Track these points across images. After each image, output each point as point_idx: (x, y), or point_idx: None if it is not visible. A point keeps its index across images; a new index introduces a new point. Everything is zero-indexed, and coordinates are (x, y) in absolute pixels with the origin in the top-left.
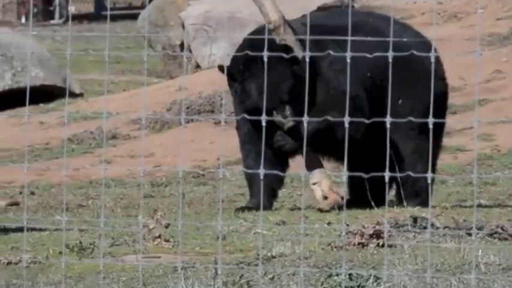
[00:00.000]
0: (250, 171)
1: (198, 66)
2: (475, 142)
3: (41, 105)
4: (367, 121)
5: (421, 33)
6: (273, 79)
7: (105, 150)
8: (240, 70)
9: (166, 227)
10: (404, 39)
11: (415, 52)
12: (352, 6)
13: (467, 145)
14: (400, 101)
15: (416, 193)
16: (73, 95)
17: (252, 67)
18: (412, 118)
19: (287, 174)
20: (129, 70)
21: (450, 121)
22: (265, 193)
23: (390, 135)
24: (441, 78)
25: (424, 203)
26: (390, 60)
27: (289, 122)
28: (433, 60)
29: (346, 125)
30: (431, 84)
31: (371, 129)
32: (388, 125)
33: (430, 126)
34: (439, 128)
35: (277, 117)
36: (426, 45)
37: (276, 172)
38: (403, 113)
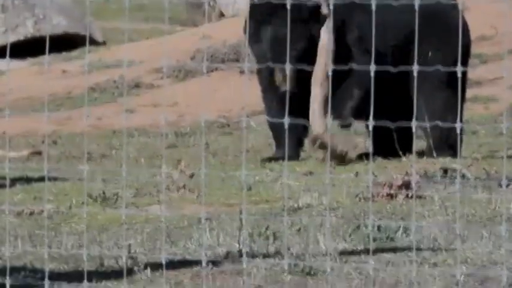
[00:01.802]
0: (273, 120)
1: (222, 15)
2: (506, 92)
3: (63, 53)
4: (393, 69)
5: None
6: (285, 33)
7: (128, 99)
8: (254, 16)
9: (191, 177)
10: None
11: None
12: None
13: (498, 95)
14: (429, 54)
15: (447, 144)
16: (95, 43)
17: (264, 15)
18: (440, 67)
19: None
20: (152, 18)
21: (481, 71)
22: (291, 143)
23: (419, 87)
24: (466, 33)
25: (455, 154)
26: (416, 7)
27: (282, 85)
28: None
29: (372, 74)
30: (459, 38)
31: (400, 81)
32: (415, 74)
33: (459, 75)
34: (464, 81)
35: (277, 76)
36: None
37: (300, 121)
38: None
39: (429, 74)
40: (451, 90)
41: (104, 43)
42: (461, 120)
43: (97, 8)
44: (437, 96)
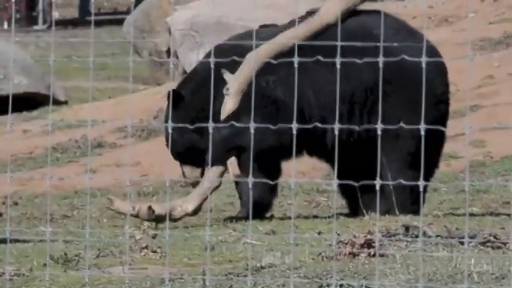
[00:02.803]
0: (239, 179)
1: (185, 72)
2: (467, 149)
3: (24, 113)
4: (357, 128)
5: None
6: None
7: (91, 159)
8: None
9: (154, 237)
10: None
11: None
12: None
13: (459, 152)
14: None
15: (410, 202)
16: (57, 102)
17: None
18: (403, 125)
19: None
20: (114, 77)
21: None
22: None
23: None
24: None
25: (417, 212)
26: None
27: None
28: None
29: (336, 132)
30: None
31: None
32: (379, 132)
33: (422, 132)
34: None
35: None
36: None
37: (265, 180)
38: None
39: (392, 131)
40: (415, 147)
41: (66, 102)
42: (428, 179)
43: (59, 67)
44: (401, 154)
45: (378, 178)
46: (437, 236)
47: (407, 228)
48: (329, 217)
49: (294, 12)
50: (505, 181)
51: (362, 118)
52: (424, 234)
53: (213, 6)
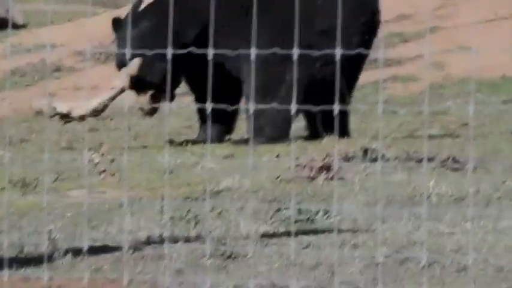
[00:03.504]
0: (198, 105)
1: None
2: (426, 71)
3: None
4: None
5: None
6: None
7: (49, 82)
8: None
9: (112, 161)
10: None
11: None
12: None
13: (418, 74)
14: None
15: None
16: (16, 26)
17: None
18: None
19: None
20: (74, 0)
21: (401, 49)
22: (216, 126)
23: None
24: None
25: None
26: None
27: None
28: None
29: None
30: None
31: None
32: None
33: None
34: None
35: None
36: None
37: (224, 106)
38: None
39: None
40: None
41: (24, 26)
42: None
43: None
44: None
45: (336, 103)
46: (395, 158)
47: (365, 151)
48: (289, 140)
49: None
50: (464, 103)
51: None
52: (383, 156)
53: None
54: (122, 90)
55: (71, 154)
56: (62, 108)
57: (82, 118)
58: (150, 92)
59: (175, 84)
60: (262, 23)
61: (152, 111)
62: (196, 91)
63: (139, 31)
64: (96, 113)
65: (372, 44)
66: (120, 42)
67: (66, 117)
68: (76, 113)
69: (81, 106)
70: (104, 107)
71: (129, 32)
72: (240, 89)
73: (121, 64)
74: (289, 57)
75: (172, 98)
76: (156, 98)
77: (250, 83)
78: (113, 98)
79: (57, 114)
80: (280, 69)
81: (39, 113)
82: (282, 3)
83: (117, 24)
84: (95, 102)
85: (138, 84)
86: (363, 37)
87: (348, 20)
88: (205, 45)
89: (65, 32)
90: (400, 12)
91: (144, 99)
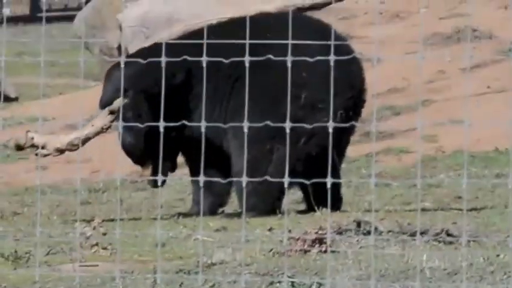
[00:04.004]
0: (190, 178)
1: None
2: (419, 144)
3: None
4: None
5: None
6: None
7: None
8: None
9: (104, 234)
10: None
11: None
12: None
13: (411, 147)
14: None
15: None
16: (8, 99)
17: None
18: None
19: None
20: (65, 73)
21: (393, 122)
22: (208, 199)
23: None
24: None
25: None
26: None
27: None
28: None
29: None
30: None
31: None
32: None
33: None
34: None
35: None
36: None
37: (217, 179)
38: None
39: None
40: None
41: (16, 99)
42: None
43: (9, 63)
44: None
45: (329, 176)
46: (389, 231)
47: (358, 224)
48: (280, 213)
49: (246, 8)
50: (457, 176)
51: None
52: (376, 229)
53: (164, 2)
54: (102, 129)
55: (63, 227)
56: (39, 140)
57: (59, 151)
58: (150, 164)
59: (174, 154)
60: (248, 97)
61: (157, 182)
62: (191, 162)
63: (127, 71)
64: (72, 147)
65: (357, 120)
66: (107, 84)
67: (42, 149)
68: (52, 145)
69: (58, 139)
70: (82, 142)
71: (117, 73)
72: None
73: (104, 104)
74: (277, 133)
75: (173, 168)
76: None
77: (238, 159)
78: (92, 136)
79: (33, 145)
80: (268, 147)
81: (18, 146)
82: (268, 76)
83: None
84: (72, 136)
85: (138, 157)
86: (347, 112)
87: (334, 93)
88: (193, 115)
89: (56, 105)
90: (392, 85)
91: (148, 171)
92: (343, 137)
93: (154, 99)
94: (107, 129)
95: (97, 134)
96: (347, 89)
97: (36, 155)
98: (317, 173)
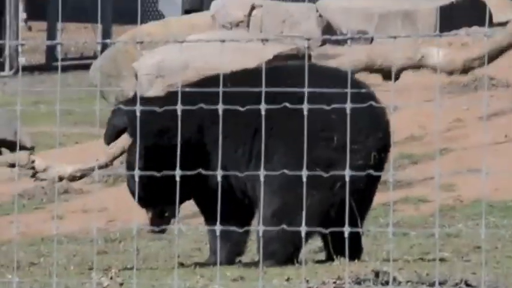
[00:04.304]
0: (207, 227)
1: None
2: (437, 193)
3: None
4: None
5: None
6: None
7: (57, 205)
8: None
9: (121, 284)
10: None
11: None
12: (309, 55)
13: (429, 196)
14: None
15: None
16: (24, 148)
17: None
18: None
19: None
20: (81, 122)
21: (411, 171)
22: (225, 249)
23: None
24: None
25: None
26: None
27: None
28: None
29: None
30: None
31: None
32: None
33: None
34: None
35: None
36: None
37: (233, 228)
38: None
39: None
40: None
41: (32, 148)
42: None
43: (25, 113)
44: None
45: (346, 225)
46: (407, 281)
47: (377, 274)
48: (298, 262)
49: (262, 56)
50: (475, 225)
51: None
52: (395, 280)
53: (180, 51)
54: (106, 165)
55: (79, 278)
56: (40, 164)
57: (60, 179)
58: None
59: (181, 201)
60: (275, 144)
61: (161, 230)
62: (205, 212)
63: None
64: (73, 178)
65: (384, 163)
66: (110, 127)
67: (42, 173)
68: (53, 171)
69: (60, 167)
70: (82, 176)
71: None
72: (251, 209)
73: (110, 140)
74: (310, 179)
75: (173, 215)
76: (162, 215)
77: (265, 207)
78: (92, 170)
79: (33, 168)
80: (301, 193)
81: (11, 165)
82: (296, 123)
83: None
84: (76, 168)
85: (141, 198)
86: (379, 154)
87: (364, 135)
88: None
89: (72, 154)
90: (409, 133)
91: (151, 216)
92: (375, 182)
93: (166, 148)
94: (108, 166)
95: (100, 168)
96: (376, 130)
97: (34, 177)
98: (340, 222)
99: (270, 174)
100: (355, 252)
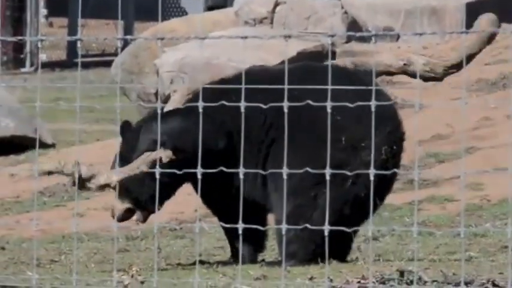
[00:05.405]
0: (227, 225)
1: None
2: (462, 192)
3: (12, 156)
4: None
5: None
6: None
7: (78, 203)
8: None
9: (142, 283)
10: None
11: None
12: (333, 52)
13: (455, 195)
14: None
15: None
16: (44, 145)
17: None
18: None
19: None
20: (102, 119)
21: (437, 170)
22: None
23: None
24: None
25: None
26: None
27: None
28: None
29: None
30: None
31: None
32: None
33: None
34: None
35: None
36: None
37: (255, 226)
38: None
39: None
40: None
41: (53, 145)
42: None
43: (46, 109)
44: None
45: (370, 224)
46: (433, 281)
47: (402, 273)
48: (321, 261)
49: (285, 51)
50: (503, 225)
51: None
52: (420, 279)
53: (202, 48)
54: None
55: (100, 276)
56: (87, 172)
57: (101, 187)
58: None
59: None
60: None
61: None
62: (219, 213)
63: (163, 128)
64: (108, 187)
65: (400, 157)
66: (125, 146)
67: (85, 182)
68: (99, 180)
69: (105, 175)
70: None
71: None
72: (264, 212)
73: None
74: (321, 179)
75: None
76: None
77: (280, 210)
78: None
79: (79, 177)
80: (313, 194)
81: (50, 172)
82: (305, 126)
83: (126, 128)
84: (121, 176)
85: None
86: (391, 147)
87: (373, 132)
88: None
89: (94, 151)
90: (435, 132)
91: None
92: (388, 178)
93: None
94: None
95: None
96: (385, 123)
97: (82, 187)
98: (359, 220)
99: (281, 177)
100: (344, 254)
